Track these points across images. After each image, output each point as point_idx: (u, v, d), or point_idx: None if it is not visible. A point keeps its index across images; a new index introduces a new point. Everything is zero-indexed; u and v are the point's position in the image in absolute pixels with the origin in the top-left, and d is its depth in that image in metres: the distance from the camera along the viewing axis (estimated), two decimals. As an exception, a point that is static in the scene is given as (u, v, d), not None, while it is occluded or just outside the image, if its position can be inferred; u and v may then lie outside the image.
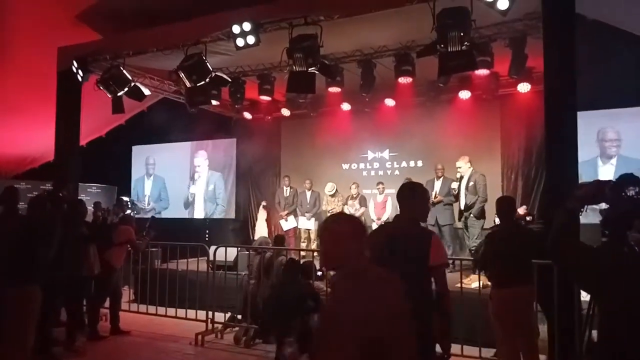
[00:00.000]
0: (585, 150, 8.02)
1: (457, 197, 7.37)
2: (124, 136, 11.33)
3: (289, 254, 6.60)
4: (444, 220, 7.69)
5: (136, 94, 7.56)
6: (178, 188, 12.31)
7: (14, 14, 7.36)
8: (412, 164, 9.79)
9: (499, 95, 8.53)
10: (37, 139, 9.81)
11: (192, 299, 6.74)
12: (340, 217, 2.17)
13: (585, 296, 4.04)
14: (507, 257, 3.96)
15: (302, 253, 7.22)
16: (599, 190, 2.02)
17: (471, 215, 7.04)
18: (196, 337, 5.92)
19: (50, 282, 4.46)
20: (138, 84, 7.65)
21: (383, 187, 8.99)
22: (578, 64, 4.66)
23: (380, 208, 8.92)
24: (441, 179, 7.93)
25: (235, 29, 6.07)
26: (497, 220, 4.52)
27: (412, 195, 2.96)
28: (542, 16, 5.02)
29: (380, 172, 10.03)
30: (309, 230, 9.48)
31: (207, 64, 6.65)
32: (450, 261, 6.30)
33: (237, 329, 6.17)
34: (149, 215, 10.62)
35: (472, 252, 7.00)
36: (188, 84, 6.90)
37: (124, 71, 7.27)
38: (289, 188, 9.75)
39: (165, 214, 12.28)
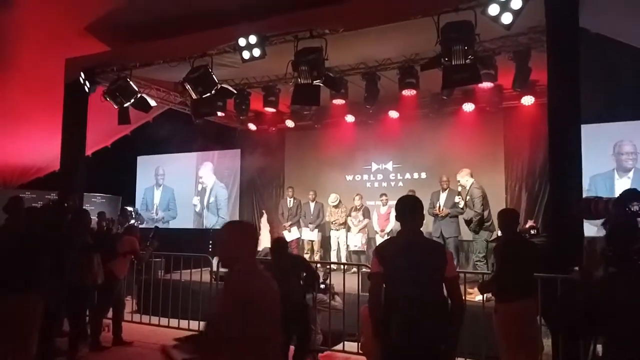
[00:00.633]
0: (602, 163, 7.91)
1: (463, 210, 7.39)
2: (129, 147, 11.39)
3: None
4: (449, 232, 7.68)
5: (142, 105, 7.64)
6: (186, 198, 12.38)
7: (22, 25, 7.45)
8: (415, 175, 9.79)
9: (503, 107, 8.53)
10: (43, 149, 9.87)
11: (195, 309, 6.70)
12: (235, 224, 2.57)
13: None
14: (510, 270, 3.95)
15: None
16: (588, 206, 2.03)
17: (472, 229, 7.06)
18: (199, 348, 5.88)
19: (54, 291, 4.46)
20: (144, 95, 7.72)
21: (387, 199, 8.97)
22: (581, 77, 4.66)
23: (383, 219, 8.90)
24: (446, 191, 7.94)
25: (242, 41, 6.13)
26: (500, 233, 4.52)
27: (415, 209, 2.99)
28: (546, 30, 5.05)
29: (384, 184, 10.03)
30: (312, 241, 9.47)
31: (213, 76, 6.71)
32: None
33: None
34: (153, 225, 10.64)
35: (476, 264, 7.00)
36: (194, 96, 6.95)
37: (131, 82, 7.34)
38: (292, 199, 9.77)
39: (173, 224, 12.32)
